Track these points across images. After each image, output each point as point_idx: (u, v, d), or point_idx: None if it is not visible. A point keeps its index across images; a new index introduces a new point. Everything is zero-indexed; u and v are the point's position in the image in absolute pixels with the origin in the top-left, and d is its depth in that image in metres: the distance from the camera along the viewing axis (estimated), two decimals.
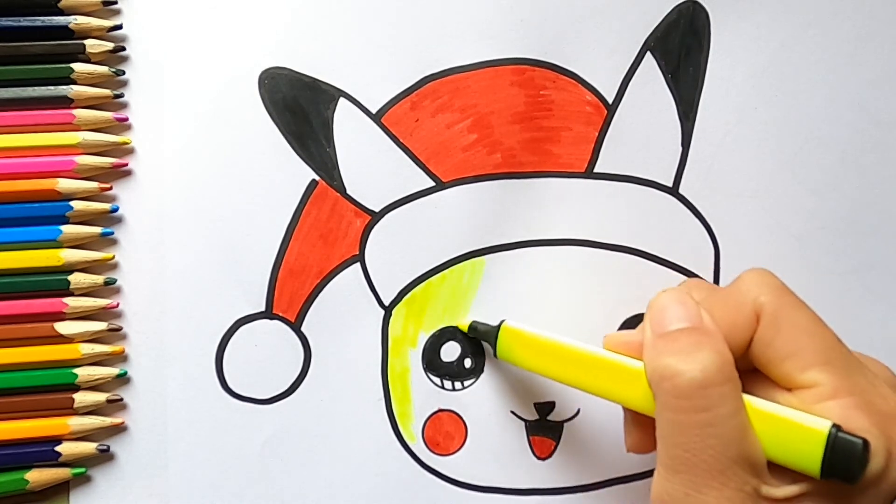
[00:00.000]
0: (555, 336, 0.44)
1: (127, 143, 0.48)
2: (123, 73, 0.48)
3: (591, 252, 0.49)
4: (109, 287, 0.47)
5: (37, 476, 0.46)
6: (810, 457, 0.35)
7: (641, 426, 0.42)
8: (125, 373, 0.47)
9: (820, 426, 0.35)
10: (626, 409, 0.43)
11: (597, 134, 0.50)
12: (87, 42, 0.47)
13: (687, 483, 0.36)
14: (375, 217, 0.49)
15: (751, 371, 0.39)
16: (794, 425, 0.36)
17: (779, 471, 0.36)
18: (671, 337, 0.38)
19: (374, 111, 0.49)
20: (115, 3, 0.48)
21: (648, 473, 0.49)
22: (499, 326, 0.47)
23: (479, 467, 0.49)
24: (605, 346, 0.42)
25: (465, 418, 0.49)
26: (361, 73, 0.49)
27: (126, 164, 0.48)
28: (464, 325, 0.49)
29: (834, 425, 0.35)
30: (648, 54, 0.50)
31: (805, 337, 0.38)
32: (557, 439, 0.49)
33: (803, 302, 0.39)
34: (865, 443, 0.35)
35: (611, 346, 0.42)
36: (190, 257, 0.48)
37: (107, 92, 0.47)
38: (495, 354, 0.47)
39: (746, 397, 0.37)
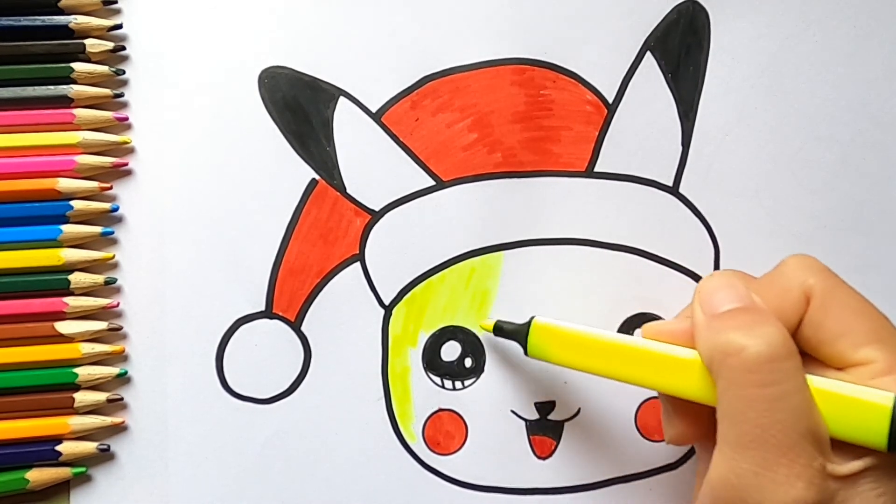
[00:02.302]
0: (590, 329, 0.44)
1: (127, 143, 0.48)
2: (123, 72, 0.48)
3: (590, 251, 0.49)
4: (110, 287, 0.47)
5: (37, 476, 0.46)
6: (876, 430, 0.36)
7: (685, 415, 0.42)
8: (125, 372, 0.47)
9: (883, 400, 0.36)
10: (666, 401, 0.43)
11: (597, 133, 0.50)
12: (87, 42, 0.47)
13: (757, 460, 0.36)
14: (375, 216, 0.49)
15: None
16: (857, 401, 0.36)
17: (841, 448, 0.36)
18: (728, 315, 0.38)
19: (374, 110, 0.49)
20: (115, 2, 0.48)
21: (649, 473, 0.49)
22: (529, 323, 0.46)
23: (479, 467, 0.49)
24: (645, 335, 0.42)
25: (465, 418, 0.49)
26: (361, 72, 0.49)
27: (126, 164, 0.48)
28: (487, 324, 0.48)
29: None
30: (648, 54, 0.50)
31: (856, 316, 0.38)
32: (558, 439, 0.49)
33: (849, 285, 0.40)
34: None
35: (652, 335, 0.42)
36: (190, 257, 0.48)
37: (107, 91, 0.47)
38: (526, 353, 0.46)
39: (807, 375, 0.37)
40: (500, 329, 0.48)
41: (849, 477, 0.36)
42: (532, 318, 0.46)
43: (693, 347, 0.40)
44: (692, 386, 0.40)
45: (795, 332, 0.39)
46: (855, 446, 0.36)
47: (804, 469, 0.36)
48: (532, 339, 0.46)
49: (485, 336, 0.49)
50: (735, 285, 0.40)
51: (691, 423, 0.40)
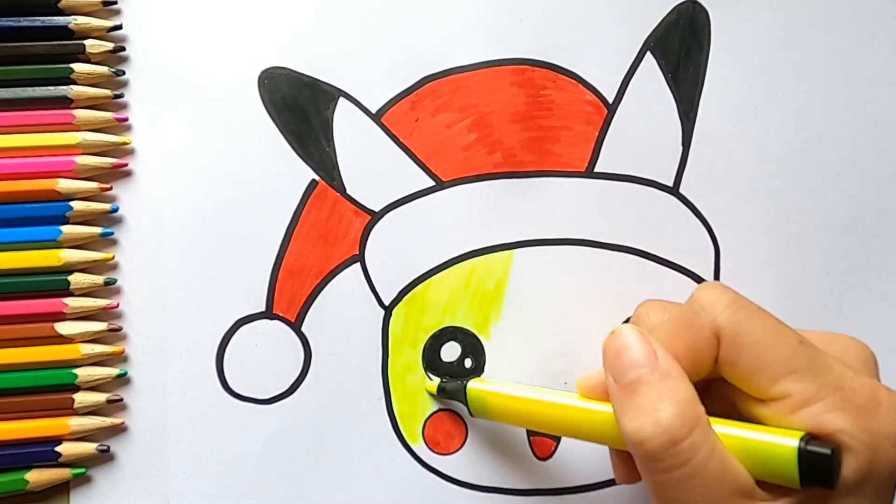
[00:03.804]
0: (522, 390, 0.44)
1: (127, 144, 0.48)
2: (123, 73, 0.48)
3: (590, 252, 0.49)
4: (109, 287, 0.47)
5: (37, 476, 0.46)
6: (787, 471, 0.36)
7: (627, 461, 0.42)
8: (125, 373, 0.47)
9: (788, 442, 0.36)
10: (610, 448, 0.43)
11: (597, 133, 0.50)
12: (87, 42, 0.47)
13: None
14: (375, 217, 0.49)
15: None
16: (766, 445, 0.36)
17: (768, 484, 0.36)
18: (629, 391, 0.38)
19: (373, 111, 0.49)
20: (115, 3, 0.48)
21: None
22: (465, 386, 0.47)
23: (479, 467, 0.49)
24: (578, 389, 0.42)
25: (465, 418, 0.49)
26: (361, 72, 0.49)
27: (126, 164, 0.48)
28: (431, 386, 0.49)
29: (803, 438, 0.35)
30: (648, 54, 0.50)
31: (767, 350, 0.38)
32: (557, 439, 0.49)
33: (762, 310, 0.39)
34: (834, 450, 0.35)
35: (582, 390, 0.42)
36: (190, 257, 0.48)
37: (107, 92, 0.47)
38: (470, 414, 0.47)
39: (716, 425, 0.37)
40: (442, 390, 0.48)
41: None
42: (466, 380, 0.47)
43: None
44: (620, 440, 0.39)
45: (714, 368, 0.39)
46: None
47: None
48: (471, 401, 0.46)
49: (485, 336, 0.49)
50: (638, 344, 0.39)
51: (634, 467, 0.40)
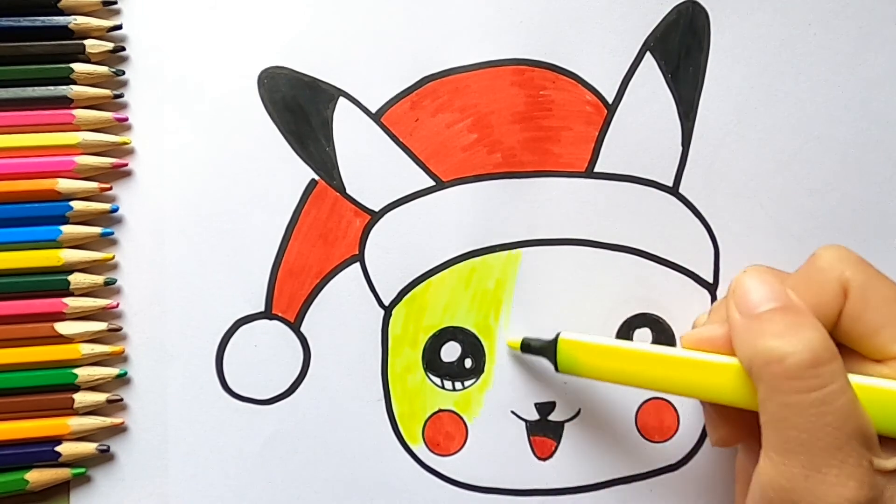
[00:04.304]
0: (620, 342, 0.44)
1: (127, 143, 0.48)
2: (123, 73, 0.48)
3: (590, 251, 0.49)
4: (109, 287, 0.47)
5: (37, 476, 0.46)
6: None
7: (728, 419, 0.42)
8: (125, 373, 0.47)
9: None
10: (707, 406, 0.43)
11: (597, 134, 0.50)
12: (87, 42, 0.47)
13: (806, 464, 0.36)
14: (375, 217, 0.49)
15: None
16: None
17: (886, 442, 0.37)
18: (767, 317, 0.38)
19: (373, 111, 0.49)
20: (115, 3, 0.48)
21: (649, 474, 0.49)
22: (555, 340, 0.46)
23: (479, 468, 0.49)
24: (685, 346, 0.42)
25: (465, 419, 0.49)
26: (361, 72, 0.49)
27: (126, 164, 0.48)
28: (514, 341, 0.48)
29: None
30: (648, 54, 0.50)
31: (893, 307, 0.38)
32: (558, 440, 0.49)
33: (885, 275, 0.40)
34: None
35: (691, 345, 0.42)
36: (190, 257, 0.48)
37: (107, 92, 0.47)
38: (556, 369, 0.46)
39: (848, 374, 0.37)
40: (527, 346, 0.47)
41: None
42: (558, 333, 0.46)
43: (730, 352, 0.40)
44: (732, 392, 0.39)
45: (834, 327, 0.39)
46: None
47: (854, 469, 0.36)
48: (560, 355, 0.45)
49: (485, 336, 0.49)
50: (771, 283, 0.39)
51: (735, 426, 0.40)
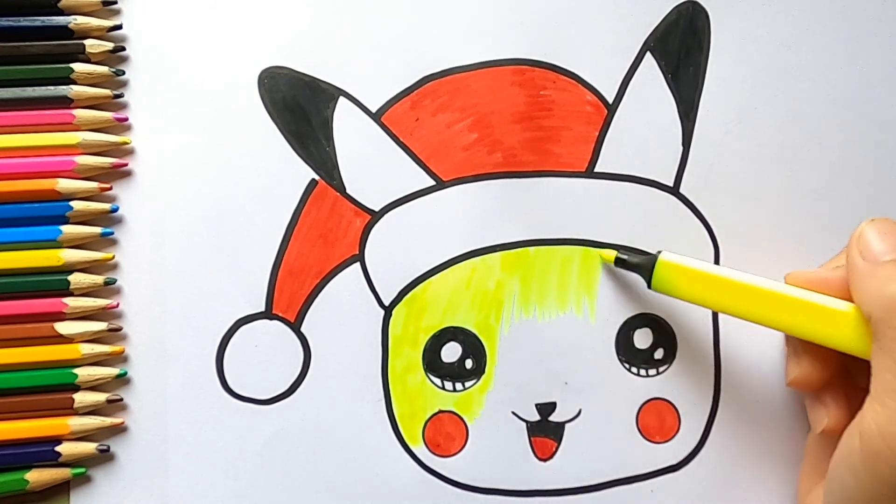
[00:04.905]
0: (725, 269, 0.45)
1: (127, 143, 0.48)
2: (123, 73, 0.48)
3: (590, 251, 0.49)
4: (109, 287, 0.47)
5: (37, 476, 0.46)
6: None
7: (816, 358, 0.42)
8: (125, 373, 0.47)
9: None
10: (794, 343, 0.44)
11: (597, 134, 0.50)
12: (87, 42, 0.47)
13: None
14: (375, 216, 0.49)
15: None
16: None
17: None
18: (892, 266, 0.38)
19: (373, 110, 0.49)
20: (115, 3, 0.48)
21: (651, 475, 0.49)
22: (654, 258, 0.46)
23: (479, 469, 0.49)
24: (789, 282, 0.43)
25: (465, 419, 0.49)
26: (361, 72, 0.49)
27: (126, 164, 0.48)
28: (608, 254, 0.48)
29: None
30: (648, 54, 0.50)
31: None
32: (559, 440, 0.49)
33: None
34: None
35: (799, 282, 0.43)
36: (190, 257, 0.48)
37: (107, 92, 0.47)
38: (649, 286, 0.47)
39: None
40: (622, 261, 0.48)
41: None
42: (659, 251, 0.46)
43: (843, 298, 0.41)
44: (842, 336, 0.40)
45: None
46: None
47: None
48: (658, 273, 0.46)
49: (485, 336, 0.49)
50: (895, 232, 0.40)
51: (820, 367, 0.41)
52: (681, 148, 0.50)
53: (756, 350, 0.49)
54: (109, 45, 0.47)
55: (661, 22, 0.50)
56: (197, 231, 0.48)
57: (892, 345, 0.37)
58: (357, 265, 0.49)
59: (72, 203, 0.47)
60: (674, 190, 0.50)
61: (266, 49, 0.49)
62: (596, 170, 0.49)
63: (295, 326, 0.48)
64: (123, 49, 0.48)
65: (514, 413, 0.49)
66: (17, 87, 0.47)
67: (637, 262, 0.47)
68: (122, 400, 0.47)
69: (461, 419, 0.49)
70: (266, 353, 0.48)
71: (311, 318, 0.48)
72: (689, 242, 0.49)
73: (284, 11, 0.49)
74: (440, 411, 0.49)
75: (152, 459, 0.47)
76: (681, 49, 0.50)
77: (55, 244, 0.47)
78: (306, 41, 0.49)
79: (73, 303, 0.46)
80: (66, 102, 0.47)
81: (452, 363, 0.49)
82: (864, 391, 0.39)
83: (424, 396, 0.49)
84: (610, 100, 0.50)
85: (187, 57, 0.48)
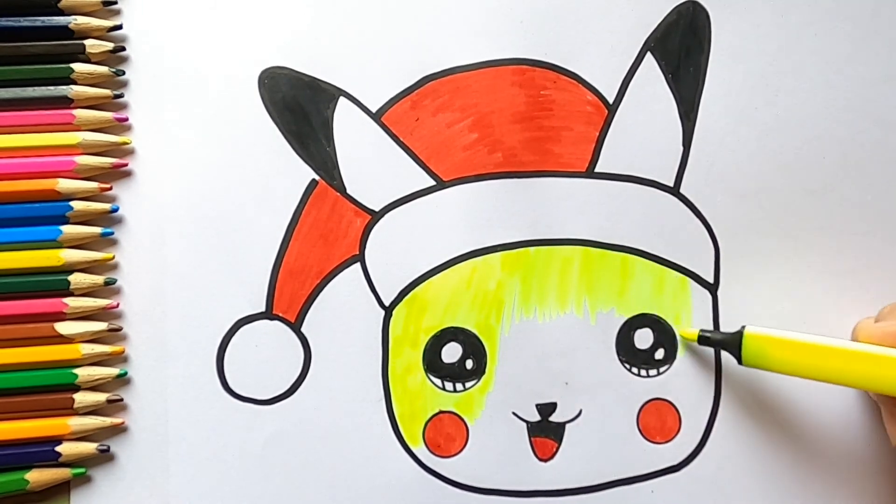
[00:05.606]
0: (811, 337, 0.45)
1: (127, 144, 0.48)
2: (123, 73, 0.48)
3: (591, 251, 0.49)
4: (109, 287, 0.47)
5: (37, 476, 0.46)
6: None
7: None
8: (125, 373, 0.47)
9: None
10: (886, 404, 0.44)
11: (597, 134, 0.50)
12: (87, 42, 0.47)
13: None
14: (375, 216, 0.49)
15: None
16: None
17: None
18: None
19: (374, 110, 0.49)
20: (115, 3, 0.48)
21: (651, 475, 0.49)
22: (740, 333, 0.46)
23: (480, 469, 0.49)
24: (861, 338, 0.44)
25: (466, 420, 0.49)
26: (361, 72, 0.49)
27: (126, 164, 0.48)
28: (690, 333, 0.48)
29: None
30: (649, 54, 0.50)
31: None
32: (559, 441, 0.49)
33: None
34: None
35: (874, 339, 0.43)
36: (190, 257, 0.48)
37: (107, 92, 0.47)
38: (740, 362, 0.46)
39: None
40: (706, 339, 0.48)
41: None
42: (743, 327, 0.46)
43: None
44: None
45: None
46: None
47: None
48: (747, 349, 0.46)
49: (486, 337, 0.49)
50: None
51: None
52: (681, 148, 0.50)
53: None
54: (109, 45, 0.48)
55: (662, 22, 0.50)
56: (197, 231, 0.48)
57: None
58: (357, 265, 0.48)
59: (72, 203, 0.47)
60: (674, 190, 0.50)
61: (266, 49, 0.49)
62: (596, 170, 0.49)
63: (295, 326, 0.48)
64: (123, 49, 0.48)
65: (514, 413, 0.49)
66: (17, 87, 0.47)
67: (721, 339, 0.47)
68: (122, 400, 0.47)
69: (461, 419, 0.49)
70: (266, 353, 0.48)
71: (311, 318, 0.48)
72: (690, 242, 0.50)
73: (284, 11, 0.49)
74: (440, 412, 0.49)
75: (152, 459, 0.47)
76: (681, 49, 0.50)
77: (55, 244, 0.47)
78: (306, 41, 0.49)
79: (73, 303, 0.46)
80: (66, 102, 0.47)
81: (453, 363, 0.49)
82: None
83: (425, 397, 0.49)
84: (610, 100, 0.50)
85: (187, 57, 0.48)
